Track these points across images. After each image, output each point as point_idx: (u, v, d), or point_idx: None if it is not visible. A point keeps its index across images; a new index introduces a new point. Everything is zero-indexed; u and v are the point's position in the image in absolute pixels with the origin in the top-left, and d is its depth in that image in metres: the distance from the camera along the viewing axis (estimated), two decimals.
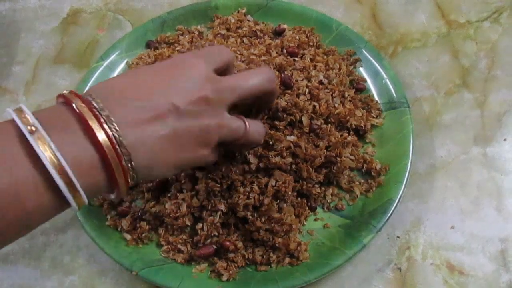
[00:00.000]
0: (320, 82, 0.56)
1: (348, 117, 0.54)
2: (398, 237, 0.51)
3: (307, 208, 0.52)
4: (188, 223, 0.49)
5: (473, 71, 0.61)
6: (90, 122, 0.32)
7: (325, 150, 0.51)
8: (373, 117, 0.57)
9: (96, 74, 0.60)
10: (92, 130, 0.32)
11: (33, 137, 0.30)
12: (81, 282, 0.49)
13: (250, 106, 0.48)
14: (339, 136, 0.53)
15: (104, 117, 0.32)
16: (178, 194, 0.50)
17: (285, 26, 0.63)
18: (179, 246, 0.49)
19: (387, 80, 0.58)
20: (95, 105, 0.33)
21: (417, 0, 0.68)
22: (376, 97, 0.58)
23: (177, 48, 0.61)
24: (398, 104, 0.56)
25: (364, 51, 0.61)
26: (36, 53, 0.66)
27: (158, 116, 0.35)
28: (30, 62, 0.65)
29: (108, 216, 0.51)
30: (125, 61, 0.61)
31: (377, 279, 0.49)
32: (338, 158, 0.51)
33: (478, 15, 0.66)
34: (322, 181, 0.52)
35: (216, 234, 0.49)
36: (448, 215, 0.52)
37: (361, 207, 0.52)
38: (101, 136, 0.32)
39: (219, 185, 0.48)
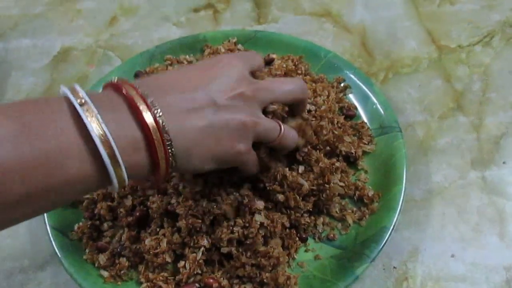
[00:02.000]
0: (308, 111, 0.54)
1: (337, 143, 0.52)
2: (394, 267, 0.48)
3: (297, 239, 0.49)
4: (169, 259, 0.47)
5: (467, 94, 0.60)
6: (138, 104, 0.33)
7: (312, 178, 0.49)
8: (365, 144, 0.55)
9: None
10: (140, 111, 0.33)
11: (83, 108, 0.31)
12: None
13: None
14: (328, 162, 0.50)
15: (150, 102, 0.34)
16: (158, 230, 0.48)
17: (274, 55, 0.62)
18: (159, 283, 0.46)
19: (378, 105, 0.57)
20: (141, 91, 0.35)
21: (407, 27, 0.68)
22: (367, 123, 0.56)
23: None
24: (390, 129, 0.54)
25: (353, 77, 0.60)
26: (26, 90, 0.66)
27: (198, 108, 0.37)
28: (19, 99, 0.64)
29: (87, 250, 0.49)
30: None
31: None
32: (327, 185, 0.49)
33: (469, 39, 0.65)
34: (311, 210, 0.49)
35: (200, 272, 0.46)
36: (447, 243, 0.49)
37: (354, 236, 0.49)
38: (148, 117, 0.33)
39: (200, 221, 0.46)
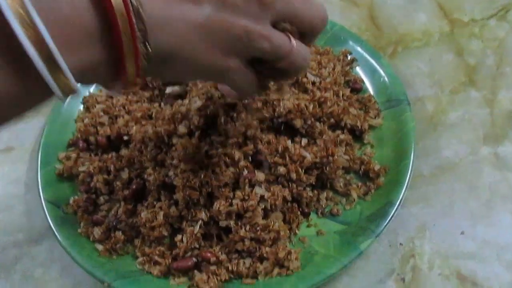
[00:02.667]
0: (312, 83, 0.52)
1: (342, 116, 0.50)
2: (401, 244, 0.46)
3: (299, 213, 0.47)
4: (165, 233, 0.45)
5: (480, 69, 0.57)
6: None
7: (316, 150, 0.47)
8: (371, 117, 0.52)
9: None
10: None
11: None
12: None
13: None
14: (332, 135, 0.48)
15: None
16: (155, 203, 0.46)
17: None
18: (155, 258, 0.44)
19: (385, 77, 0.54)
20: None
21: (417, 0, 0.65)
22: (374, 97, 0.54)
23: None
24: (397, 102, 0.52)
25: (360, 50, 0.57)
26: None
27: None
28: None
29: (82, 224, 0.47)
30: None
31: None
32: (331, 158, 0.47)
33: (483, 13, 0.63)
34: (314, 184, 0.47)
35: (197, 246, 0.44)
36: (457, 220, 0.46)
37: (359, 211, 0.47)
38: None
39: (198, 193, 0.44)
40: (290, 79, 0.43)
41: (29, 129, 0.57)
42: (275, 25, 0.33)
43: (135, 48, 0.25)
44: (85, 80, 0.26)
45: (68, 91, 0.24)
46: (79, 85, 0.25)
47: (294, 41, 0.33)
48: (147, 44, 0.26)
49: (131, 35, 0.25)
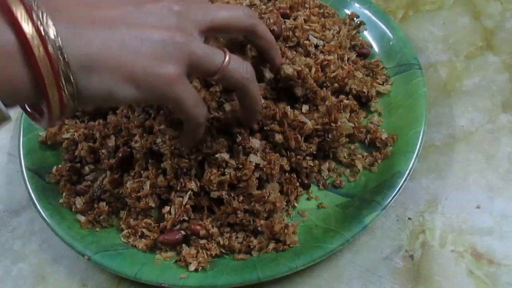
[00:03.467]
0: (315, 45, 0.48)
1: (346, 80, 0.46)
2: (409, 218, 0.42)
3: (298, 185, 0.43)
4: (152, 204, 0.41)
5: (499, 32, 0.52)
6: (11, 4, 0.26)
7: (317, 116, 0.43)
8: (379, 83, 0.48)
9: None
10: (9, 6, 0.25)
11: None
12: (30, 270, 0.42)
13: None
14: (335, 100, 0.44)
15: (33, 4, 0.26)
16: (142, 172, 0.42)
17: None
18: (142, 230, 0.41)
19: (395, 41, 0.50)
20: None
21: None
22: (382, 62, 0.50)
23: None
24: (408, 67, 0.48)
25: (368, 13, 0.53)
26: None
27: (110, 12, 0.29)
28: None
29: (64, 194, 0.44)
30: None
31: (383, 269, 0.39)
32: (333, 124, 0.43)
33: None
34: (315, 153, 0.44)
35: (186, 218, 0.41)
36: (472, 192, 0.42)
37: (364, 183, 0.43)
38: (20, 13, 0.25)
39: (187, 161, 0.40)
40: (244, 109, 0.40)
41: None
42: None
43: (50, 59, 0.26)
44: (7, 99, 0.26)
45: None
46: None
47: (228, 56, 0.33)
48: (64, 55, 0.26)
49: (42, 45, 0.26)
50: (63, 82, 0.27)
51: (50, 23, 0.26)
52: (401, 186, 0.40)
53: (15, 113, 0.52)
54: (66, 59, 0.26)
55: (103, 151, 0.45)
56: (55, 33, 0.26)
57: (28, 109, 0.31)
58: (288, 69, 0.43)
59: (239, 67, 0.34)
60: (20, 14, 0.25)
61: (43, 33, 0.26)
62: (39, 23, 0.26)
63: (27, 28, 0.25)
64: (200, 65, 0.32)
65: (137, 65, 0.29)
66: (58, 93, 0.27)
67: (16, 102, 0.28)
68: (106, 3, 0.30)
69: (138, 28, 0.30)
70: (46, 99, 0.27)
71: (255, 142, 0.41)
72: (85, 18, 0.28)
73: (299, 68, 0.43)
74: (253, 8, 0.52)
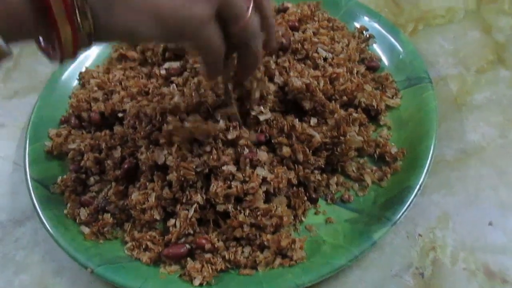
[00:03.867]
0: (324, 58, 0.47)
1: (355, 93, 0.45)
2: (420, 235, 0.41)
3: (306, 199, 0.42)
4: (157, 217, 0.41)
5: (510, 47, 0.52)
6: None
7: (326, 129, 0.42)
8: (388, 97, 0.48)
9: (79, 57, 0.54)
10: None
11: None
12: (33, 282, 0.41)
13: None
14: (344, 113, 0.44)
15: None
16: (147, 184, 0.42)
17: (289, 4, 0.56)
18: (146, 243, 0.40)
19: (404, 54, 0.49)
20: None
21: None
22: (392, 75, 0.49)
23: None
24: (418, 80, 0.47)
25: (377, 26, 0.52)
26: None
27: None
28: (14, 51, 0.60)
29: (68, 205, 0.43)
30: (111, 44, 0.55)
31: (392, 287, 0.38)
32: (342, 138, 0.42)
33: None
34: (323, 167, 0.43)
35: (191, 231, 0.40)
36: (484, 209, 0.41)
37: (373, 198, 0.42)
38: None
39: (193, 173, 0.39)
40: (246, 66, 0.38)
41: (22, 105, 0.54)
42: None
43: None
44: (13, 36, 0.24)
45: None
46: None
47: (251, 5, 0.32)
48: None
49: None
50: (78, 18, 0.24)
51: None
52: (411, 202, 0.39)
53: (24, 121, 0.52)
54: None
55: (108, 162, 0.44)
56: None
57: (41, 44, 0.27)
58: (297, 82, 0.43)
59: (256, 23, 0.33)
60: None
61: None
62: None
63: None
64: (229, 7, 0.30)
65: (166, 3, 0.27)
66: (71, 30, 0.24)
67: (18, 36, 0.25)
68: None
69: None
70: (57, 35, 0.24)
71: (262, 155, 0.40)
72: None
73: (308, 81, 0.43)
74: None
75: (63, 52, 0.25)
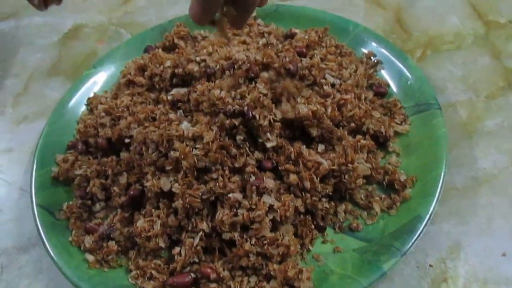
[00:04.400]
0: (332, 84, 0.47)
1: (364, 120, 0.45)
2: (430, 266, 0.40)
3: (313, 227, 0.41)
4: (162, 245, 0.40)
5: None
6: None
7: (333, 156, 0.42)
8: (397, 123, 0.47)
9: (87, 82, 0.55)
10: None
11: None
12: None
13: None
14: (352, 140, 0.43)
15: None
16: (153, 211, 0.41)
17: (296, 30, 0.56)
18: (151, 271, 0.40)
19: (413, 80, 0.49)
20: None
21: (448, 2, 0.60)
22: (400, 101, 0.49)
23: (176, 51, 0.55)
24: (427, 106, 0.47)
25: (385, 52, 0.52)
26: (32, 66, 0.62)
27: None
28: (24, 75, 0.61)
29: (73, 232, 0.43)
30: (119, 70, 0.56)
31: None
32: (350, 165, 0.41)
33: None
34: (331, 194, 0.42)
35: (197, 260, 0.39)
36: (497, 239, 0.40)
37: (382, 227, 0.41)
38: None
39: (199, 201, 0.39)
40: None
41: (31, 130, 0.54)
42: None
43: None
44: None
45: None
46: None
47: None
48: None
49: None
50: None
51: None
52: (421, 231, 0.39)
53: (32, 146, 0.52)
54: None
55: (114, 188, 0.44)
56: None
57: None
58: (303, 109, 0.43)
59: None
60: None
61: None
62: None
63: None
64: None
65: None
66: None
67: None
68: None
69: None
70: None
71: (269, 182, 0.40)
72: None
73: (314, 108, 0.43)
74: (269, 47, 0.52)
75: None
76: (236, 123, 0.41)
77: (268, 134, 0.41)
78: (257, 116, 0.41)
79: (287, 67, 0.45)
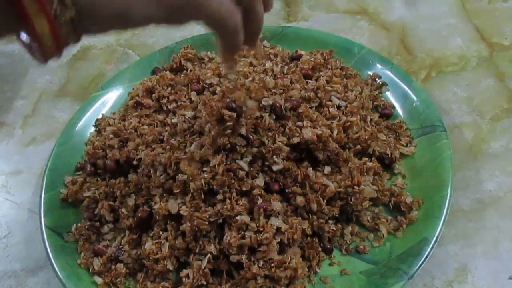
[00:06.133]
0: (337, 106, 0.48)
1: (369, 142, 0.45)
2: None
3: (320, 250, 0.42)
4: (170, 267, 0.41)
5: None
6: None
7: (339, 179, 0.42)
8: (403, 145, 0.48)
9: (96, 104, 0.56)
10: None
11: None
12: None
13: None
14: (358, 162, 0.44)
15: None
16: (161, 233, 0.42)
17: (302, 52, 0.57)
18: None
19: (418, 102, 0.49)
20: None
21: (452, 24, 0.61)
22: (405, 123, 0.49)
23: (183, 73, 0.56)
24: (432, 129, 0.47)
25: (390, 74, 0.53)
26: (40, 87, 0.63)
27: None
28: (32, 97, 0.62)
29: (82, 254, 0.43)
30: (127, 91, 0.57)
31: None
32: (356, 187, 0.42)
33: None
34: (338, 216, 0.42)
35: (204, 283, 0.40)
36: (504, 262, 0.40)
37: (389, 249, 0.41)
38: None
39: (207, 223, 0.39)
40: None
41: (39, 152, 0.55)
42: None
43: None
44: None
45: None
46: None
47: None
48: None
49: None
50: (54, 6, 0.21)
51: None
52: (428, 254, 0.39)
53: (40, 168, 0.53)
54: None
55: (122, 210, 0.44)
56: None
57: (23, 39, 0.24)
58: (307, 134, 0.43)
59: None
60: None
61: None
62: None
63: None
64: None
65: None
66: (47, 21, 0.21)
67: None
68: None
69: None
70: (31, 29, 0.21)
71: (276, 205, 0.40)
72: None
73: (319, 132, 0.43)
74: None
75: (43, 48, 0.22)
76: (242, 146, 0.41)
77: (275, 158, 0.41)
78: (266, 141, 0.41)
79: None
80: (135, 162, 0.47)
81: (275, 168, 0.42)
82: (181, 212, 0.40)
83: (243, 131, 0.41)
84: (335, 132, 0.45)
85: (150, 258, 0.41)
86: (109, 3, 0.23)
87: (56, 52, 0.24)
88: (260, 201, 0.40)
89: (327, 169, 0.44)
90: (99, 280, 0.41)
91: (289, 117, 0.44)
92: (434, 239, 0.39)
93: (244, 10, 0.31)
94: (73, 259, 0.43)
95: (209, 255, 0.40)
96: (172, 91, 0.53)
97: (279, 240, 0.39)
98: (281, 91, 0.46)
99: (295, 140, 0.43)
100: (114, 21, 0.25)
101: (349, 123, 0.46)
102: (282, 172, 0.43)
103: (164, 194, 0.43)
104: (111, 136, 0.50)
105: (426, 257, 0.38)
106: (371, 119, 0.48)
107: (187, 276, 0.40)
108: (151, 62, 0.59)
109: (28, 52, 0.25)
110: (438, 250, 0.41)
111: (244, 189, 0.40)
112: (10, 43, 0.69)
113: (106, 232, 0.45)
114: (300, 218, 0.41)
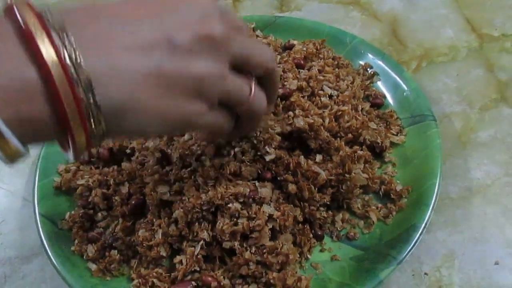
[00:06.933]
0: (329, 96, 0.48)
1: (360, 130, 0.46)
2: (426, 274, 0.41)
3: (311, 236, 0.42)
4: (163, 253, 0.41)
5: None
6: (32, 30, 0.23)
7: (331, 167, 0.43)
8: (393, 134, 0.48)
9: None
10: (34, 41, 0.23)
11: None
12: None
13: None
14: (349, 150, 0.44)
15: (56, 29, 0.24)
16: (154, 221, 0.42)
17: (294, 42, 0.57)
18: (152, 280, 0.40)
19: (408, 92, 0.50)
20: (48, 16, 0.24)
21: (443, 15, 0.62)
22: (396, 112, 0.50)
23: None
24: (422, 118, 0.48)
25: (382, 64, 0.53)
26: None
27: (144, 46, 0.26)
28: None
29: (76, 241, 0.44)
30: None
31: None
32: (347, 175, 0.42)
33: None
34: (329, 204, 0.43)
35: (197, 269, 0.40)
36: (490, 247, 0.41)
37: (378, 236, 0.42)
38: (45, 49, 0.23)
39: (199, 210, 0.40)
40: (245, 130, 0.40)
41: None
42: (234, 67, 0.32)
43: (75, 98, 0.24)
44: (29, 138, 0.25)
45: (12, 153, 0.24)
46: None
47: (254, 86, 0.33)
48: (95, 96, 0.24)
49: (68, 84, 0.23)
50: (92, 125, 0.25)
51: (74, 48, 0.24)
52: (416, 240, 0.39)
53: (35, 156, 0.53)
54: (98, 103, 0.24)
55: (116, 198, 0.45)
56: (80, 61, 0.24)
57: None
58: (299, 123, 0.43)
59: (261, 100, 0.34)
60: (40, 36, 0.23)
61: (66, 59, 0.23)
62: (63, 46, 0.23)
63: (47, 52, 0.23)
64: (230, 98, 0.32)
65: (170, 105, 0.28)
66: (85, 136, 0.25)
67: (35, 140, 0.26)
68: (138, 21, 0.27)
69: (174, 60, 0.27)
70: (72, 138, 0.25)
71: (264, 192, 0.41)
72: (114, 41, 0.26)
73: (311, 120, 0.43)
74: None
75: (77, 152, 0.27)
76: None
77: (267, 147, 0.42)
78: (258, 133, 0.42)
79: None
80: (128, 151, 0.47)
81: (267, 158, 0.42)
82: (172, 199, 0.41)
83: None
84: (326, 121, 0.45)
85: (144, 245, 0.41)
86: (132, 127, 0.28)
87: (84, 152, 0.28)
88: (247, 191, 0.40)
89: (319, 157, 0.44)
90: (93, 266, 0.42)
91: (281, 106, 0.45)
92: (423, 225, 0.40)
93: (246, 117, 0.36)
94: (67, 246, 0.43)
95: (202, 241, 0.40)
96: None
97: (271, 226, 0.40)
98: None
99: (287, 128, 0.43)
100: (131, 136, 0.34)
101: (340, 112, 0.46)
102: (274, 160, 0.43)
103: (157, 182, 0.43)
104: None
105: (415, 243, 0.39)
106: (362, 108, 0.49)
107: (181, 262, 0.40)
108: None
109: (60, 146, 0.28)
110: (426, 237, 0.42)
111: (234, 178, 0.41)
112: None
113: (99, 219, 0.46)
114: (292, 205, 0.42)
